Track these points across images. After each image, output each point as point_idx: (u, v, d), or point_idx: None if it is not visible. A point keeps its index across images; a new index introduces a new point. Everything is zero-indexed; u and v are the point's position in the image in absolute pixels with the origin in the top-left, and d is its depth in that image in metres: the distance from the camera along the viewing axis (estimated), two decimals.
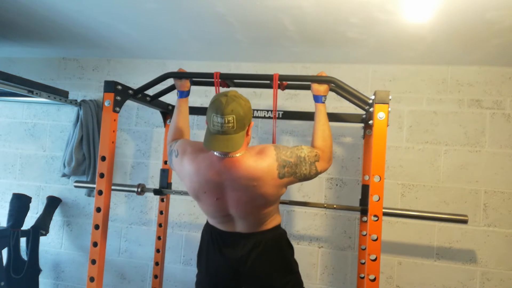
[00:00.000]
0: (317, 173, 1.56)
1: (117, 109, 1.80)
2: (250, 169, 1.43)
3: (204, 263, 1.72)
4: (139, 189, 2.27)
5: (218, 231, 1.68)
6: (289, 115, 2.26)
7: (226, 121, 1.34)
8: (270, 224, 1.66)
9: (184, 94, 1.84)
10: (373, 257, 1.53)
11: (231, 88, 2.58)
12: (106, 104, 1.77)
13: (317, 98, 1.68)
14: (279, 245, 1.69)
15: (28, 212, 2.74)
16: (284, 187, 1.54)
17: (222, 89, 2.50)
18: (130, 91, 1.90)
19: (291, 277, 1.72)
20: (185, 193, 2.28)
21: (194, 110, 2.38)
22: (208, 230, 1.73)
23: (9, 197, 2.74)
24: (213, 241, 1.69)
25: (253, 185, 1.44)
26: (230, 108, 1.34)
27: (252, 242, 1.62)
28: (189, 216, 2.70)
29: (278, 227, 1.71)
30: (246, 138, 1.45)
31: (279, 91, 1.95)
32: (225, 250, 1.65)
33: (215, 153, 1.46)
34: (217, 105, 1.36)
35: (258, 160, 1.45)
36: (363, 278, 2.06)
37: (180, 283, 2.69)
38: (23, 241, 2.67)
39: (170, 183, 2.42)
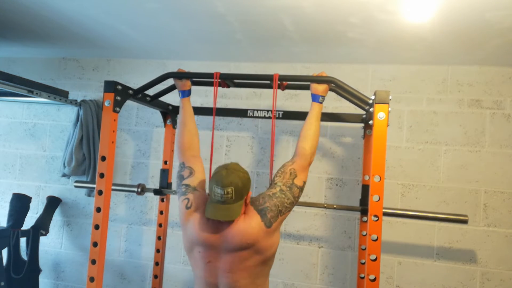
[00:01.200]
0: (302, 188, 1.58)
1: (117, 109, 1.80)
2: (242, 230, 1.48)
3: None
4: (139, 189, 2.27)
5: None
6: (289, 115, 2.26)
7: (226, 192, 1.44)
8: None
9: (186, 94, 1.84)
10: (373, 257, 1.53)
11: (230, 90, 2.60)
12: (106, 104, 1.77)
13: (315, 97, 1.69)
14: None
15: (28, 212, 2.74)
16: (277, 231, 1.54)
17: (222, 90, 2.50)
18: (130, 91, 1.90)
19: None
20: None
21: (195, 110, 2.36)
22: None
23: (9, 197, 2.74)
24: None
25: (247, 244, 1.47)
26: (229, 180, 1.44)
27: None
28: None
29: None
30: (243, 207, 1.53)
31: (279, 91, 1.95)
32: None
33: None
34: (218, 177, 1.47)
35: (247, 221, 1.49)
36: (363, 278, 2.06)
37: (180, 283, 2.69)
38: (23, 241, 2.67)
39: (170, 183, 2.43)
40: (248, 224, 1.48)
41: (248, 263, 1.50)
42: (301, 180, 1.59)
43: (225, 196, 1.44)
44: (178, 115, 1.87)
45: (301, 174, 1.59)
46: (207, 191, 1.65)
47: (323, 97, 1.69)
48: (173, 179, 2.47)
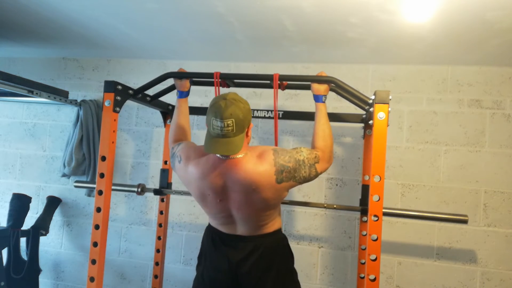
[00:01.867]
0: (317, 175, 1.56)
1: (117, 109, 1.80)
2: (248, 172, 1.45)
3: (204, 265, 1.72)
4: (139, 189, 2.27)
5: (219, 233, 1.68)
6: (289, 115, 2.26)
7: (226, 125, 1.37)
8: (271, 227, 1.66)
9: (184, 94, 1.84)
10: (373, 257, 1.53)
11: (230, 90, 2.58)
12: (106, 104, 1.77)
13: (318, 98, 1.68)
14: (278, 251, 1.67)
15: (28, 212, 2.74)
16: (285, 191, 1.54)
17: (222, 90, 2.51)
18: (130, 91, 1.90)
19: (288, 286, 1.69)
20: (185, 193, 2.28)
21: (194, 110, 2.38)
22: (209, 232, 1.73)
23: (9, 197, 2.74)
24: (213, 243, 1.69)
25: (252, 189, 1.46)
26: (229, 111, 1.37)
27: (252, 246, 1.62)
28: (189, 216, 2.70)
29: (278, 232, 1.70)
30: (246, 139, 1.48)
31: (279, 91, 1.95)
32: (225, 252, 1.65)
33: (217, 155, 1.49)
34: (216, 108, 1.39)
35: (257, 164, 1.46)
36: (363, 278, 2.06)
37: (180, 283, 2.69)
38: (23, 241, 2.67)
39: (170, 183, 2.42)
40: (256, 168, 1.44)
41: (255, 204, 1.52)
42: (320, 169, 1.56)
43: (225, 129, 1.37)
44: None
45: (322, 164, 1.56)
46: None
47: (325, 96, 1.70)
48: (173, 179, 2.47)
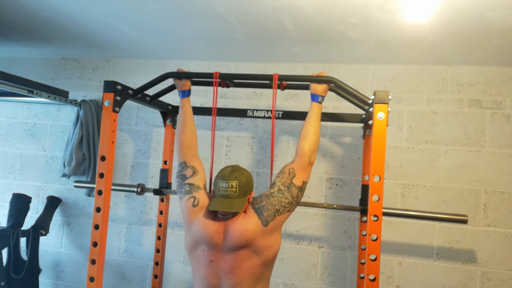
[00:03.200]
0: (301, 188, 1.58)
1: (117, 109, 1.80)
2: (241, 227, 1.50)
3: None
4: (139, 189, 2.27)
5: None
6: (289, 115, 2.26)
7: (230, 186, 1.50)
8: None
9: (186, 94, 1.85)
10: (373, 257, 1.53)
11: (230, 91, 2.59)
12: (106, 104, 1.77)
13: (314, 97, 1.69)
14: None
15: (28, 212, 2.74)
16: (276, 232, 1.55)
17: (222, 90, 2.51)
18: (130, 91, 1.90)
19: None
20: None
21: (194, 110, 2.36)
22: None
23: (9, 197, 2.74)
24: None
25: (246, 241, 1.49)
26: (234, 175, 1.52)
27: None
28: None
29: None
30: (246, 205, 1.57)
31: (279, 91, 1.95)
32: None
33: (218, 214, 1.57)
34: (224, 173, 1.54)
35: (245, 219, 1.52)
36: (363, 278, 2.06)
37: (180, 283, 2.69)
38: (23, 241, 2.67)
39: (170, 183, 2.43)
40: (247, 222, 1.51)
41: (248, 264, 1.51)
42: (300, 180, 1.58)
43: (229, 190, 1.50)
44: (178, 115, 1.87)
45: (300, 174, 1.59)
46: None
47: (323, 97, 1.69)
48: (173, 179, 2.46)
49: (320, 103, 1.69)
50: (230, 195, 1.51)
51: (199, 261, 1.58)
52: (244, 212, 1.56)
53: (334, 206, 2.11)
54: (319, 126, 1.67)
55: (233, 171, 1.53)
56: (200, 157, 1.81)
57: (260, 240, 1.50)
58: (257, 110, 2.21)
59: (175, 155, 1.98)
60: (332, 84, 1.70)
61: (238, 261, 1.51)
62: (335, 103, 2.50)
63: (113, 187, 1.97)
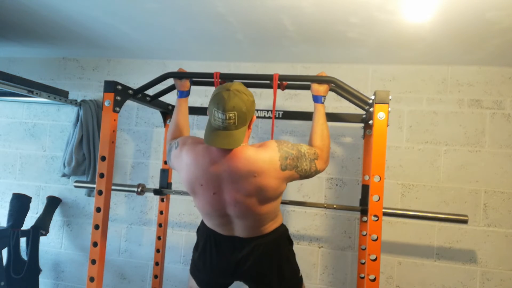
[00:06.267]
0: (316, 171, 1.56)
1: (117, 109, 1.80)
2: (250, 159, 1.39)
3: (201, 261, 1.67)
4: (139, 189, 2.27)
5: (215, 234, 1.62)
6: (289, 115, 2.26)
7: (227, 118, 1.33)
8: (270, 227, 1.61)
9: (184, 94, 1.84)
10: (373, 257, 1.53)
11: (236, 81, 2.58)
12: (106, 104, 1.77)
13: (317, 99, 1.68)
14: (279, 249, 1.64)
15: (28, 212, 2.74)
16: (285, 182, 1.48)
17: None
18: (130, 91, 1.90)
19: (290, 283, 1.69)
20: (185, 193, 2.28)
21: (194, 110, 2.38)
22: (204, 233, 1.66)
23: (9, 197, 2.73)
24: (210, 245, 1.63)
25: (254, 176, 1.39)
26: (232, 104, 1.32)
27: (251, 246, 1.58)
28: (189, 216, 2.70)
29: (278, 229, 1.65)
30: (248, 131, 1.45)
31: (279, 91, 1.95)
32: (222, 254, 1.61)
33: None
34: (219, 99, 1.34)
35: (259, 151, 1.42)
36: (363, 278, 2.06)
37: (180, 283, 2.69)
38: (23, 241, 2.67)
39: (170, 183, 2.43)
40: (260, 155, 1.40)
41: (252, 199, 1.44)
42: (319, 165, 1.55)
43: (227, 122, 1.33)
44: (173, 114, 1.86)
45: (320, 161, 1.56)
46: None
47: (325, 97, 1.70)
48: (173, 179, 2.47)
49: (323, 103, 1.69)
50: (228, 127, 1.34)
51: (201, 197, 1.50)
52: (261, 145, 1.46)
53: (334, 206, 2.11)
54: (328, 127, 1.66)
55: (230, 97, 1.32)
56: None
57: (269, 178, 1.40)
58: (257, 110, 2.21)
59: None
60: (332, 84, 1.70)
61: (241, 194, 1.42)
62: (335, 103, 2.50)
63: (113, 187, 1.97)
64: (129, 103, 2.61)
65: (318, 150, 1.57)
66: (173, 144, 1.63)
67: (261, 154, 1.41)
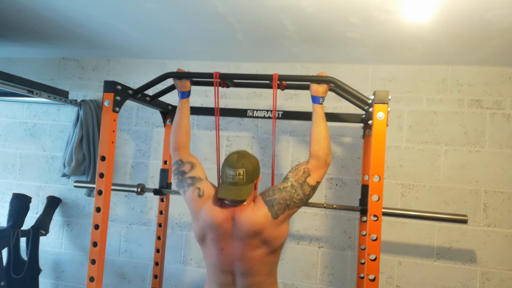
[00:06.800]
0: (314, 187, 1.60)
1: (117, 109, 1.80)
2: (250, 218, 1.53)
3: None
4: (139, 189, 2.27)
5: None
6: (289, 115, 2.26)
7: (237, 174, 1.53)
8: None
9: (185, 95, 1.85)
10: (372, 257, 1.53)
11: (230, 91, 2.61)
12: (105, 104, 1.77)
13: (315, 99, 1.68)
14: None
15: (28, 212, 2.74)
16: (285, 223, 1.58)
17: (222, 90, 2.51)
18: (130, 91, 1.90)
19: None
20: None
21: (194, 110, 2.38)
22: None
23: (9, 197, 2.74)
24: None
25: (255, 232, 1.52)
26: (241, 162, 1.54)
27: None
28: (189, 216, 2.70)
29: None
30: (254, 192, 1.60)
31: (279, 91, 1.95)
32: None
33: (226, 201, 1.60)
34: (230, 161, 1.56)
35: (255, 209, 1.55)
36: (363, 278, 2.06)
37: (180, 283, 2.69)
38: (23, 241, 2.67)
39: (170, 183, 2.43)
40: (256, 213, 1.53)
41: (257, 252, 1.54)
42: (314, 180, 1.60)
43: (237, 178, 1.52)
44: (175, 115, 1.87)
45: (315, 174, 1.60)
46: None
47: (323, 98, 1.70)
48: (172, 181, 2.46)
49: (322, 104, 1.69)
50: (238, 182, 1.53)
51: (209, 250, 1.60)
52: (254, 202, 1.58)
53: (334, 206, 2.11)
54: (327, 127, 1.67)
55: (239, 158, 1.55)
56: (200, 157, 1.81)
57: (268, 231, 1.52)
58: (257, 110, 2.21)
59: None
60: (332, 84, 1.70)
61: (247, 249, 1.54)
62: (335, 103, 2.50)
63: (113, 187, 1.97)
64: (129, 103, 2.61)
65: (311, 162, 1.62)
66: (195, 185, 1.66)
67: (256, 212, 1.54)
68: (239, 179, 1.53)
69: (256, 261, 1.55)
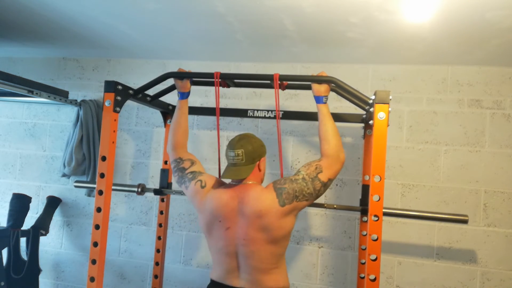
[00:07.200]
0: (325, 184, 1.58)
1: (117, 109, 1.80)
2: (255, 197, 1.55)
3: None
4: (139, 189, 2.27)
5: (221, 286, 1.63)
6: (289, 115, 2.27)
7: (236, 154, 1.59)
8: (275, 281, 1.59)
9: (184, 95, 1.85)
10: (373, 257, 1.53)
11: (231, 91, 2.60)
12: (106, 104, 1.77)
13: (318, 99, 1.69)
14: None
15: (28, 212, 2.74)
16: (291, 215, 1.56)
17: (222, 90, 2.50)
18: (130, 91, 1.90)
19: None
20: None
21: (194, 110, 2.38)
22: None
23: (9, 197, 2.73)
24: None
25: (258, 215, 1.52)
26: (240, 143, 1.60)
27: None
28: (189, 216, 2.70)
29: None
30: (259, 173, 1.66)
31: (279, 91, 1.94)
32: None
33: (231, 182, 1.66)
34: (231, 142, 1.63)
35: (263, 192, 1.57)
36: (363, 278, 2.06)
37: (180, 283, 2.69)
38: (23, 241, 2.67)
39: (170, 183, 2.42)
40: (263, 195, 1.55)
41: (258, 236, 1.53)
42: (326, 176, 1.58)
43: (236, 158, 1.59)
44: (173, 114, 1.88)
45: (327, 171, 1.58)
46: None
47: (326, 97, 1.70)
48: (173, 179, 2.46)
49: (325, 103, 1.69)
50: (237, 163, 1.59)
51: (216, 234, 1.61)
52: (265, 187, 1.60)
53: (334, 206, 2.11)
54: (335, 124, 1.66)
55: (240, 139, 1.61)
56: (200, 157, 1.82)
57: (271, 217, 1.52)
58: (257, 110, 2.21)
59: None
60: (332, 84, 1.70)
61: (251, 229, 1.54)
62: (335, 103, 2.50)
63: (113, 187, 1.97)
64: (129, 103, 2.61)
65: (323, 159, 1.61)
66: (195, 178, 1.69)
67: (263, 194, 1.56)
68: (238, 159, 1.58)
69: (258, 245, 1.54)
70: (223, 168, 1.77)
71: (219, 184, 1.69)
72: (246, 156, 1.58)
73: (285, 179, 1.59)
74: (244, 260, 1.58)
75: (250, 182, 1.62)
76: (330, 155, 1.60)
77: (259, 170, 1.65)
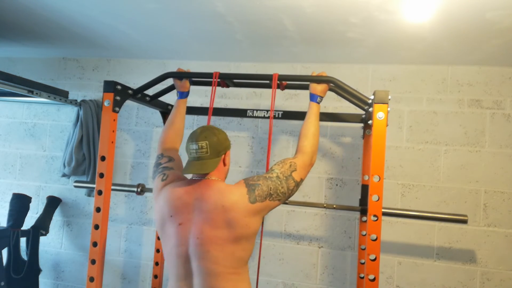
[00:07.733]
0: (298, 183, 1.51)
1: (117, 109, 1.80)
2: (221, 191, 1.43)
3: None
4: (139, 189, 2.27)
5: None
6: (289, 115, 2.26)
7: (200, 147, 1.44)
8: None
9: (183, 95, 1.85)
10: (372, 257, 1.53)
11: (230, 90, 2.58)
12: (105, 104, 1.77)
13: (313, 97, 1.69)
14: None
15: (28, 212, 2.74)
16: (258, 216, 1.43)
17: (221, 90, 2.50)
18: (130, 91, 1.90)
19: None
20: None
21: (194, 110, 2.38)
22: None
23: (9, 197, 2.74)
24: None
25: (222, 206, 1.38)
26: (203, 135, 1.45)
27: None
28: None
29: None
30: (223, 168, 1.53)
31: (279, 91, 1.95)
32: None
33: (192, 177, 1.52)
34: (193, 134, 1.48)
35: (231, 187, 1.45)
36: (363, 278, 2.06)
37: None
38: (23, 241, 2.68)
39: None
40: (230, 190, 1.43)
41: (218, 233, 1.37)
42: (299, 176, 1.52)
43: (200, 151, 1.44)
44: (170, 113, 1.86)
45: (301, 170, 1.53)
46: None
47: (321, 97, 1.69)
48: None
49: (319, 103, 1.69)
50: (201, 156, 1.44)
51: (168, 232, 1.46)
52: (233, 185, 1.48)
53: (334, 206, 2.11)
54: (319, 126, 1.65)
55: (203, 131, 1.46)
56: None
57: (238, 212, 1.38)
58: (257, 110, 2.21)
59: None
60: (332, 84, 1.70)
61: (208, 226, 1.38)
62: (335, 103, 2.50)
63: (113, 187, 1.97)
64: (129, 103, 2.61)
65: (298, 157, 1.55)
66: (162, 172, 1.60)
67: (231, 189, 1.44)
68: (202, 152, 1.43)
69: (215, 244, 1.37)
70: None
71: (181, 179, 1.56)
72: (211, 148, 1.43)
73: (259, 176, 1.48)
74: (197, 262, 1.39)
75: (213, 178, 1.47)
76: (306, 152, 1.56)
77: (224, 164, 1.52)
